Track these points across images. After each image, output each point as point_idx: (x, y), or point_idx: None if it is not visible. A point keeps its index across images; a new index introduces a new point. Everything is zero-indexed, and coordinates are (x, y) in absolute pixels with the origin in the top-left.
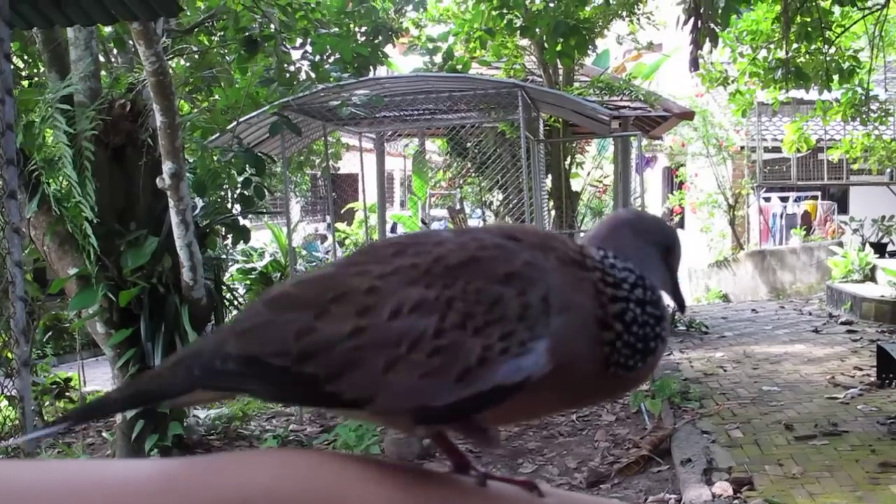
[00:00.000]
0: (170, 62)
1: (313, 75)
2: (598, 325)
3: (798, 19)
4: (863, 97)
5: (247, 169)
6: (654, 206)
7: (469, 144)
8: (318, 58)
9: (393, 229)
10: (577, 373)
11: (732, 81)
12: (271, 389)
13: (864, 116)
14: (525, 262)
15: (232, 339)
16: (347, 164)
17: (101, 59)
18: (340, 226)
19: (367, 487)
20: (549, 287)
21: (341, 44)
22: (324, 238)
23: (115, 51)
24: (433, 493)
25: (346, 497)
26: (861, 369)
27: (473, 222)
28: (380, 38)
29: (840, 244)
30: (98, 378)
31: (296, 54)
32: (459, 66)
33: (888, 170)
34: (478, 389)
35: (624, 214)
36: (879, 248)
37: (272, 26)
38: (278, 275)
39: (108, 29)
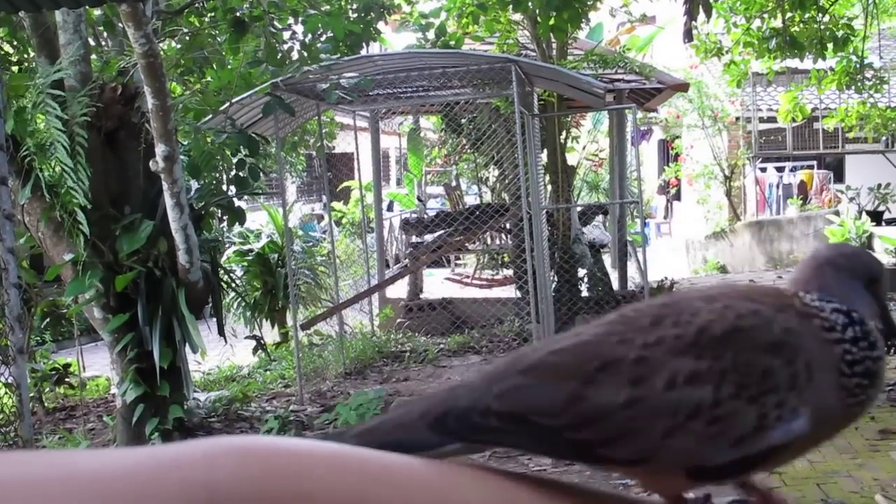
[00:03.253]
0: (160, 44)
1: (305, 54)
2: (838, 373)
3: None
4: (857, 65)
5: (241, 150)
6: (650, 177)
7: (464, 121)
8: (309, 37)
9: (389, 207)
10: (829, 420)
11: (727, 52)
12: (541, 447)
13: (858, 85)
14: (784, 330)
15: (487, 398)
16: (342, 143)
17: (91, 42)
18: (337, 205)
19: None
20: (807, 353)
21: (333, 22)
22: (320, 218)
23: (104, 34)
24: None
25: (312, 493)
26: None
27: (469, 199)
28: (372, 14)
29: (837, 213)
30: (97, 363)
31: (288, 33)
32: (452, 42)
33: (884, 138)
34: (751, 451)
35: (824, 252)
36: (876, 217)
37: (262, 6)
38: (276, 255)
39: (97, 12)
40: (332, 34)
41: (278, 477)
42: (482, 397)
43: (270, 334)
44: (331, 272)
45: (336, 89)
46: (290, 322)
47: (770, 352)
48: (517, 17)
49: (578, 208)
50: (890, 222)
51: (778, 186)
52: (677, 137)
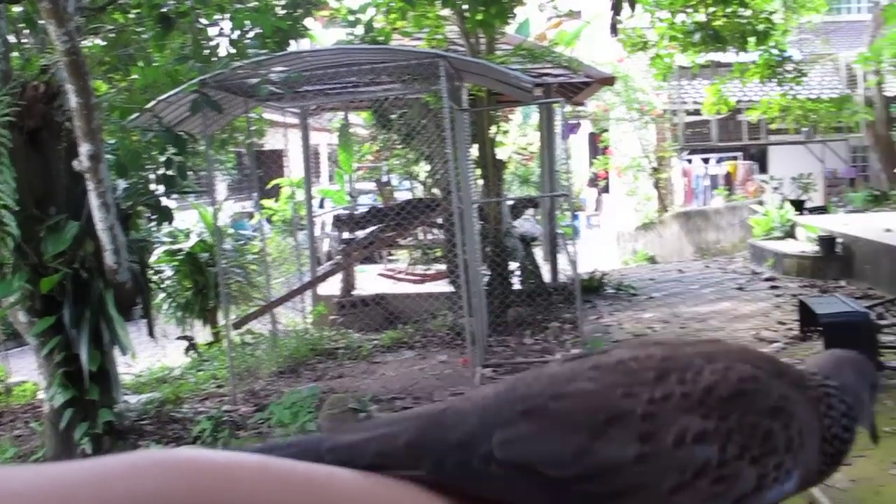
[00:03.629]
0: (84, 41)
1: (233, 51)
2: (821, 440)
3: None
4: (778, 58)
5: (168, 148)
6: (580, 171)
7: (394, 116)
8: (237, 33)
9: (321, 204)
10: (808, 482)
11: (652, 46)
12: (545, 498)
13: (780, 77)
14: (781, 396)
15: (487, 444)
16: (272, 140)
17: (12, 39)
18: (267, 202)
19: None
20: (800, 419)
21: (260, 18)
22: (251, 216)
23: (25, 31)
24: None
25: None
26: (784, 323)
27: (401, 194)
28: (299, 10)
29: (761, 203)
30: (24, 368)
31: (215, 30)
32: (381, 38)
33: (805, 129)
34: None
35: (849, 356)
36: (798, 206)
37: (187, 2)
38: (206, 254)
39: (17, 8)
40: (259, 30)
41: (203, 491)
42: (480, 440)
43: (202, 334)
44: (262, 270)
45: (265, 84)
46: (221, 321)
47: (770, 415)
48: (445, 12)
49: (509, 202)
50: (812, 211)
51: (704, 177)
52: (606, 131)
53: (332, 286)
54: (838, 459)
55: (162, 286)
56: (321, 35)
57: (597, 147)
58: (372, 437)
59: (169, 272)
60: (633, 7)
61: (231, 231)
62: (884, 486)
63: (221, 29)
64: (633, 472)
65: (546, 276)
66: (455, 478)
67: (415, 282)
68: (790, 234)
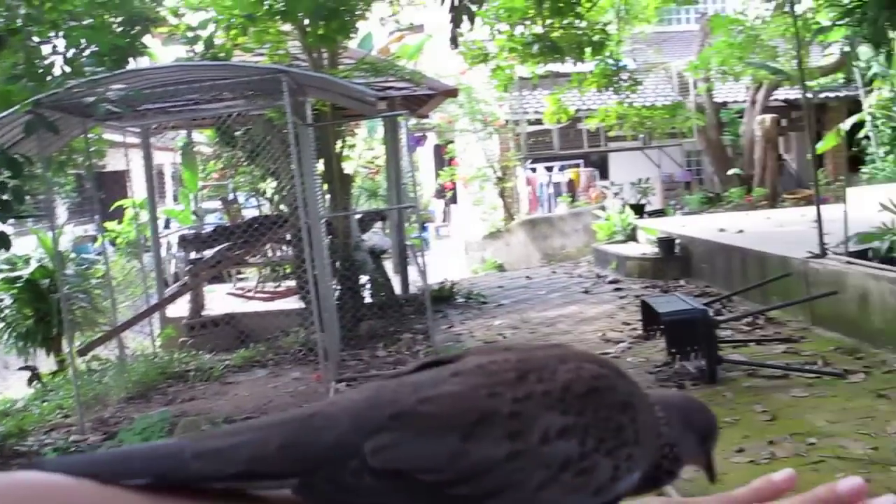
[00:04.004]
0: None
1: (68, 70)
2: (657, 438)
3: None
4: (614, 68)
5: (2, 172)
6: (427, 183)
7: (238, 133)
8: (72, 51)
9: (166, 224)
10: (647, 478)
11: (493, 58)
12: (416, 499)
13: (616, 86)
14: (628, 393)
15: (359, 453)
16: (114, 161)
17: None
18: (111, 225)
19: None
20: (643, 414)
21: (96, 36)
22: (94, 239)
23: None
24: None
25: None
26: (629, 324)
27: (248, 212)
28: (137, 28)
29: (603, 208)
30: None
31: (49, 48)
32: (222, 55)
33: (641, 135)
34: (606, 499)
35: (689, 402)
36: (638, 210)
37: (18, 20)
38: (47, 281)
39: None
40: (96, 48)
41: None
42: (352, 446)
43: (46, 363)
44: (107, 295)
45: (103, 103)
46: (66, 349)
47: (620, 410)
48: (287, 27)
49: (357, 216)
50: (651, 214)
51: (548, 185)
52: (451, 142)
53: (180, 308)
54: (667, 476)
55: (1, 315)
56: (160, 52)
57: (442, 158)
58: (241, 443)
59: (8, 300)
60: (472, 20)
61: (73, 255)
62: (727, 473)
63: (55, 47)
64: (504, 470)
65: (397, 288)
66: (328, 494)
67: (265, 299)
68: (631, 237)
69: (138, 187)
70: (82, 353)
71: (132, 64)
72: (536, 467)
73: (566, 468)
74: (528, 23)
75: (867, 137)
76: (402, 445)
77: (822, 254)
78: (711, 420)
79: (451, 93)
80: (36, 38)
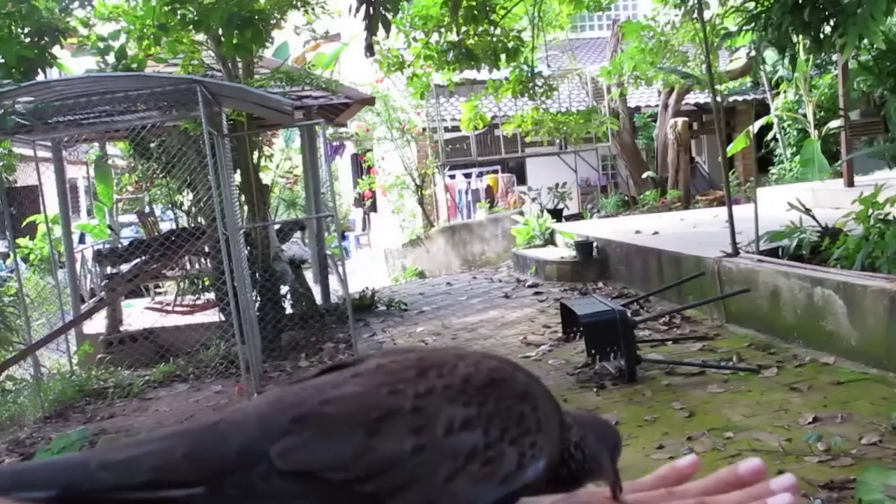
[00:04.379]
0: None
1: None
2: (560, 428)
3: (465, 3)
4: (529, 74)
5: None
6: (346, 192)
7: (153, 145)
8: None
9: (81, 239)
10: (552, 467)
11: (409, 66)
12: (325, 498)
13: (531, 92)
14: (526, 384)
15: (264, 457)
16: (24, 176)
17: None
18: (23, 241)
19: None
20: (544, 403)
21: (3, 47)
22: (6, 256)
23: None
24: None
25: None
26: (549, 327)
27: (165, 225)
28: (46, 39)
29: (521, 213)
30: None
31: None
32: (134, 65)
33: (557, 140)
34: (514, 488)
35: (597, 420)
36: (556, 214)
37: None
38: None
39: None
40: (2, 60)
41: None
42: (258, 450)
43: None
44: (21, 312)
45: (12, 116)
46: None
47: (521, 399)
48: (201, 37)
49: (276, 226)
50: (569, 218)
51: (467, 192)
52: (369, 150)
53: (97, 324)
54: (574, 480)
55: None
56: (71, 64)
57: (361, 167)
58: (147, 453)
59: None
60: (387, 28)
61: None
62: (647, 470)
63: None
64: (411, 464)
65: (318, 298)
66: (236, 498)
67: (184, 313)
68: (550, 241)
69: (51, 202)
70: None
71: (41, 76)
72: (443, 459)
73: (472, 459)
74: (443, 30)
75: (775, 139)
76: (307, 446)
77: (735, 253)
78: (617, 436)
79: (368, 101)
80: None
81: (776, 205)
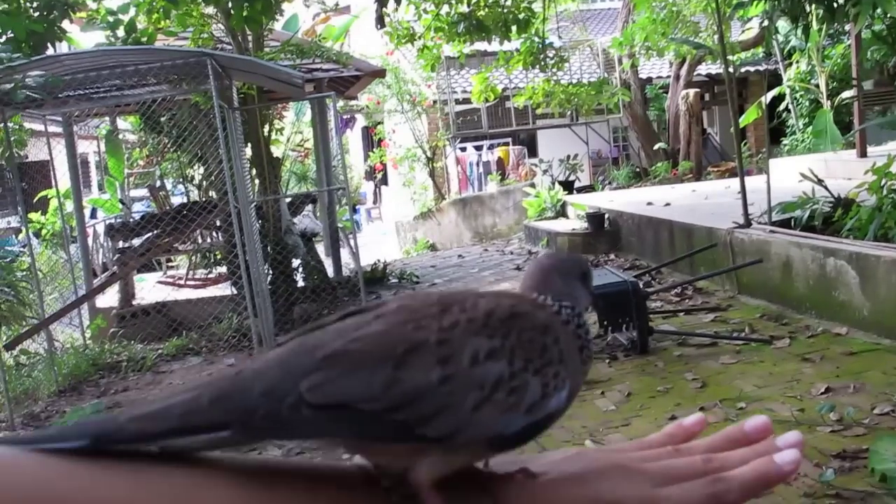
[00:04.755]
0: None
1: None
2: (578, 351)
3: None
4: (540, 46)
5: None
6: (357, 165)
7: (163, 119)
8: None
9: (93, 214)
10: (575, 391)
11: (419, 38)
12: (361, 431)
13: (542, 63)
14: (546, 317)
15: (294, 392)
16: (36, 151)
17: None
18: (35, 216)
19: None
20: (562, 335)
21: (12, 21)
22: (18, 231)
23: None
24: None
25: None
26: None
27: (176, 199)
28: (55, 13)
29: (533, 185)
30: None
31: None
32: (144, 39)
33: (568, 112)
34: (538, 417)
35: (546, 261)
36: (567, 186)
37: None
38: None
39: None
40: (12, 34)
41: None
42: (285, 388)
43: None
44: (34, 287)
45: (22, 90)
46: None
47: (543, 332)
48: (210, 10)
49: (287, 199)
50: (580, 190)
51: (478, 164)
52: (379, 123)
53: (110, 298)
54: (588, 364)
55: None
56: (80, 38)
57: (372, 140)
58: (174, 403)
59: None
60: (398, 1)
61: None
62: None
63: None
64: (439, 393)
65: (329, 271)
66: (265, 429)
67: (196, 287)
68: (561, 213)
69: (62, 177)
70: (9, 347)
71: (50, 50)
72: (469, 389)
73: (498, 388)
74: (453, 2)
75: (787, 110)
76: (336, 380)
77: (747, 224)
78: (580, 262)
79: (379, 73)
80: None
81: (788, 176)
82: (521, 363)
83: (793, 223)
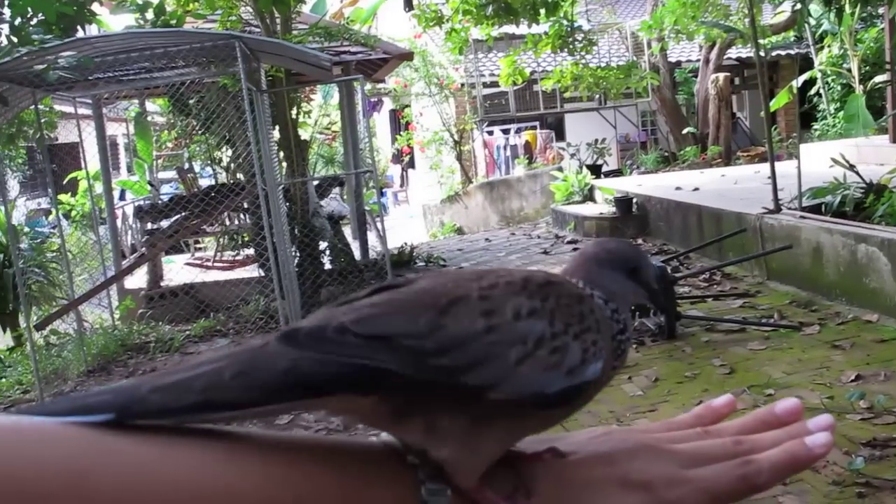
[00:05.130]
0: None
1: (15, 39)
2: (611, 331)
3: None
4: (568, 28)
5: None
6: (384, 147)
7: (192, 101)
8: (18, 20)
9: (122, 196)
10: (606, 370)
11: (447, 20)
12: (403, 366)
13: (570, 47)
14: (580, 290)
15: (337, 323)
16: (66, 133)
17: None
18: (64, 197)
19: None
20: (599, 310)
21: (43, 4)
22: (48, 212)
23: None
24: None
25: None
26: None
27: (204, 181)
28: None
29: (560, 169)
30: None
31: None
32: (173, 21)
33: (597, 96)
34: (577, 382)
35: (590, 250)
36: (595, 170)
37: None
38: (1, 256)
39: None
40: (42, 17)
41: None
42: (329, 320)
43: (3, 339)
44: (64, 268)
45: (54, 69)
46: (23, 324)
47: (579, 301)
48: None
49: (314, 182)
50: (608, 174)
51: (505, 148)
52: (407, 106)
53: (138, 279)
54: (623, 358)
55: None
56: (110, 20)
57: (399, 123)
58: (196, 375)
59: None
60: None
61: (27, 230)
62: None
63: (1, 15)
64: (483, 342)
65: (356, 253)
66: (309, 347)
67: (224, 269)
68: (589, 197)
69: (92, 159)
70: (39, 327)
71: (80, 32)
72: (513, 341)
73: (540, 345)
74: None
75: (818, 94)
76: (381, 318)
77: (777, 209)
78: (628, 253)
79: (406, 56)
80: None
81: (819, 161)
82: (562, 325)
83: (823, 209)
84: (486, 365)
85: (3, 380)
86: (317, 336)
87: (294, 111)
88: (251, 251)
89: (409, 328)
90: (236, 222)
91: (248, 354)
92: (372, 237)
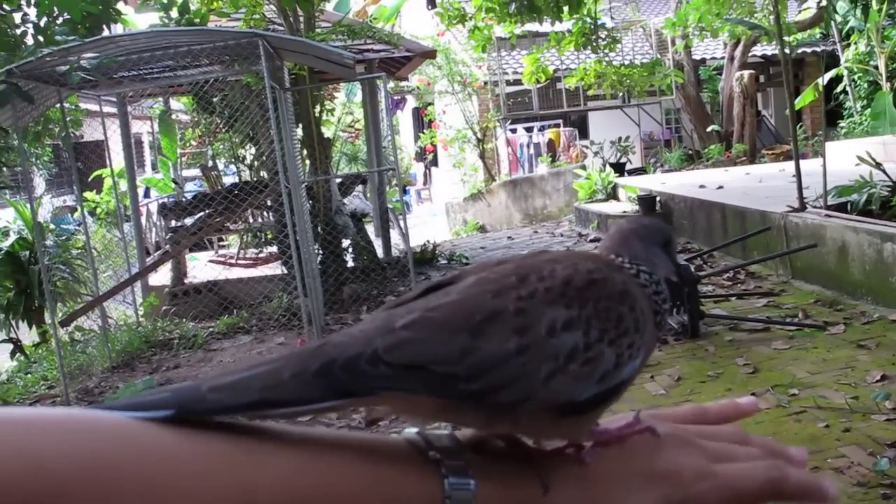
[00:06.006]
0: None
1: (41, 38)
2: (654, 316)
3: None
4: (592, 26)
5: None
6: (407, 145)
7: (216, 99)
8: (43, 20)
9: (146, 193)
10: (649, 356)
11: (470, 18)
12: (435, 392)
13: (594, 45)
14: (623, 283)
15: (369, 352)
16: (91, 131)
17: None
18: (90, 195)
19: None
20: (639, 301)
21: (68, 3)
22: (73, 210)
23: None
24: None
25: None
26: None
27: (228, 178)
28: None
29: (583, 167)
30: None
31: (19, 16)
32: (197, 20)
33: (620, 93)
34: (610, 385)
35: (628, 225)
36: (619, 168)
37: None
38: (27, 253)
39: None
40: (68, 16)
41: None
42: (365, 350)
43: (29, 335)
44: (88, 265)
45: (77, 70)
46: (48, 320)
47: (619, 301)
48: None
49: (338, 180)
50: (632, 172)
51: (528, 146)
52: (430, 104)
53: (162, 276)
54: (664, 327)
55: None
56: (135, 19)
57: (422, 121)
58: (255, 375)
59: None
60: None
61: (52, 227)
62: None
63: (26, 15)
64: (514, 363)
65: (379, 251)
66: (344, 381)
67: (247, 266)
68: (612, 195)
69: (116, 156)
70: (64, 323)
71: (105, 31)
72: (545, 359)
73: (572, 359)
74: None
75: (845, 92)
76: (413, 343)
77: (802, 208)
78: (663, 230)
79: (430, 54)
80: (6, 7)
81: (845, 159)
82: (597, 334)
83: (849, 207)
84: (515, 385)
85: (29, 375)
86: (351, 369)
87: (317, 109)
88: (274, 249)
89: (440, 353)
90: (259, 220)
91: (306, 354)
92: (395, 235)
